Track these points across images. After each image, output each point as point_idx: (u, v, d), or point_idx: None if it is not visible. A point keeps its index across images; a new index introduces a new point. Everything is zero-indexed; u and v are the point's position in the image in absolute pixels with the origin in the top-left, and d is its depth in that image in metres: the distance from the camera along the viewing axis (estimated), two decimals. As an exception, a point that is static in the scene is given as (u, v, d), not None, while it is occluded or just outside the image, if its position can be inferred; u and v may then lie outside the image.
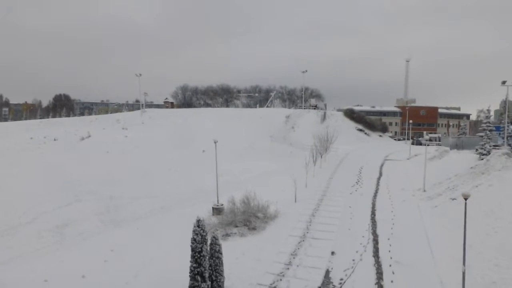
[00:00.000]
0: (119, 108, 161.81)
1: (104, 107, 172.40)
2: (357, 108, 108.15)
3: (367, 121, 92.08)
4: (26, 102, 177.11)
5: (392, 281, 19.06)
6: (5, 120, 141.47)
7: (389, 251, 22.60)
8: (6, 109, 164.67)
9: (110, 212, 31.40)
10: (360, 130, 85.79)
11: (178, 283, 17.74)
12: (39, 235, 26.57)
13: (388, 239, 24.42)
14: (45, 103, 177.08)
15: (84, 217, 30.11)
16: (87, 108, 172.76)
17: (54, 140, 54.88)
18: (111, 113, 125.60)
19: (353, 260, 21.74)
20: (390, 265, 20.76)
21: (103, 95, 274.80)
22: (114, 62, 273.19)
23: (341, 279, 19.55)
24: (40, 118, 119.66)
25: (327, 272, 20.46)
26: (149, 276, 19.74)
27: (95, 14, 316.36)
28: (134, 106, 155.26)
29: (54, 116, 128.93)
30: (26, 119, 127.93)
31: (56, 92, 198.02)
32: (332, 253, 22.73)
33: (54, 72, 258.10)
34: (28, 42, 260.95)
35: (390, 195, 34.82)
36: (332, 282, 19.33)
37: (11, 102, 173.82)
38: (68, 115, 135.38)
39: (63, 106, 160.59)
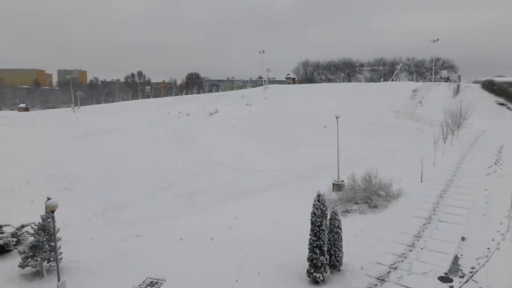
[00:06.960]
0: (243, 84, 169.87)
1: (229, 84, 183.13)
2: (498, 79, 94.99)
3: (511, 93, 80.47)
4: (163, 81, 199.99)
5: (536, 276, 16.87)
6: (148, 97, 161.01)
7: (534, 242, 19.95)
8: (148, 87, 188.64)
9: (236, 183, 33.63)
10: (502, 104, 75.57)
11: (297, 254, 18.33)
12: (174, 200, 29.93)
13: (533, 228, 21.52)
14: (179, 81, 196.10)
15: (212, 186, 32.90)
16: (215, 85, 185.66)
17: (187, 115, 60.47)
18: (236, 89, 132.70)
19: (488, 248, 19.73)
20: (534, 258, 18.36)
21: (228, 73, 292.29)
22: (242, 42, 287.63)
23: (473, 268, 17.95)
24: (175, 95, 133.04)
25: (456, 258, 18.96)
26: (269, 245, 20.73)
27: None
28: (257, 82, 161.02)
29: (187, 93, 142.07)
30: (164, 96, 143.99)
31: (188, 71, 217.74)
32: (463, 238, 20.95)
33: (186, 53, 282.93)
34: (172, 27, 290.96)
35: (538, 179, 30.34)
36: (461, 270, 17.87)
37: (152, 81, 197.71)
38: (198, 92, 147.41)
39: (194, 83, 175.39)
